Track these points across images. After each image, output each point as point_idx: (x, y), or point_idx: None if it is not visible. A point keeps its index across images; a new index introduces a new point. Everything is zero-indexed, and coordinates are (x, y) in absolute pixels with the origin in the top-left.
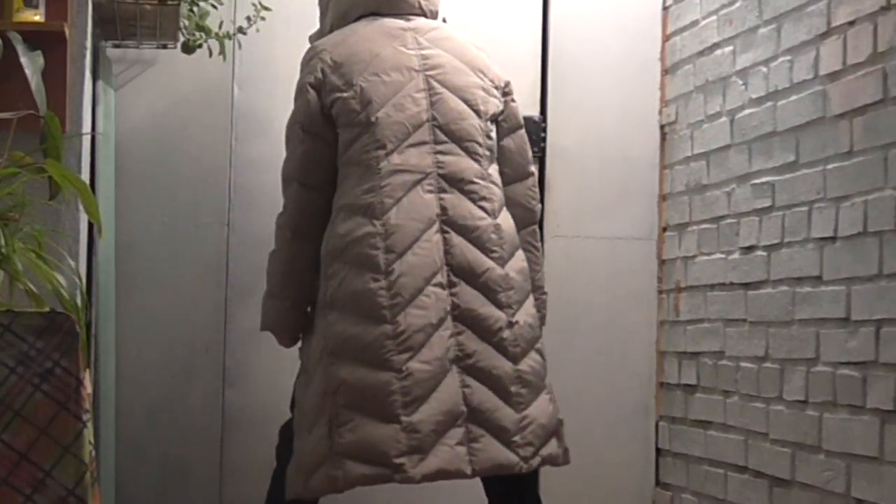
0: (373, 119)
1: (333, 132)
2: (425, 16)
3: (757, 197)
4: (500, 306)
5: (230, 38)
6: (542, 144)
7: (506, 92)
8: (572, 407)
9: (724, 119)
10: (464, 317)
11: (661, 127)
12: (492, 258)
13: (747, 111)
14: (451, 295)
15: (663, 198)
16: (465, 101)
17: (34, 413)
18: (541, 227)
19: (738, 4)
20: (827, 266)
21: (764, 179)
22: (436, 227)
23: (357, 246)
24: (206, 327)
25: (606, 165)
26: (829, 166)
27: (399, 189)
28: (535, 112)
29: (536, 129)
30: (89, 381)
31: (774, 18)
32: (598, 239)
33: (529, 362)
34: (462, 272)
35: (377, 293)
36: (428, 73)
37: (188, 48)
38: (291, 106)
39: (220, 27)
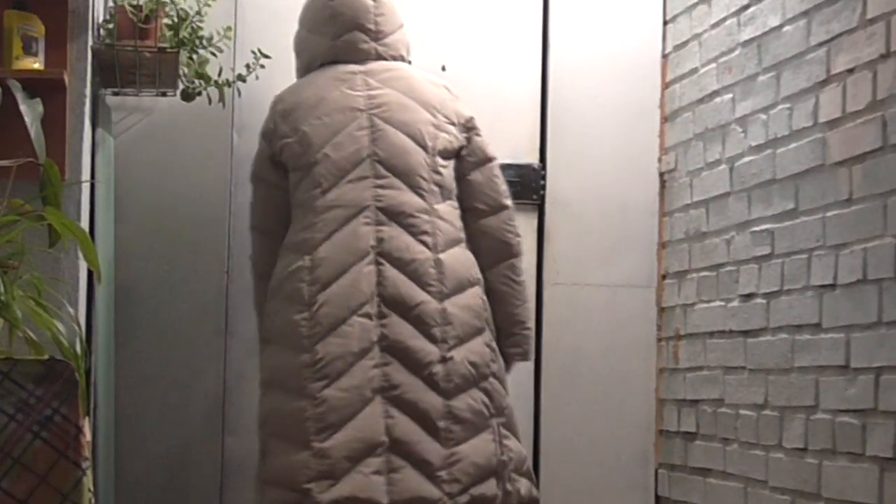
0: (312, 160)
1: (285, 178)
2: (384, 59)
3: (756, 244)
4: (432, 340)
5: (229, 86)
6: (542, 192)
7: (468, 127)
8: (571, 454)
9: (723, 166)
10: (392, 348)
11: (661, 174)
12: (428, 292)
13: (747, 159)
14: (381, 325)
15: (663, 245)
16: (410, 136)
17: (34, 460)
18: (540, 275)
19: (737, 52)
20: (826, 314)
21: (763, 227)
22: (369, 258)
23: (288, 281)
24: (205, 374)
25: (606, 213)
26: (829, 214)
27: (332, 223)
28: (534, 160)
29: (536, 177)
30: (88, 428)
31: (774, 66)
32: (598, 286)
33: (468, 400)
34: (393, 304)
35: (299, 324)
36: (372, 111)
37: (188, 96)
38: None
39: (219, 74)
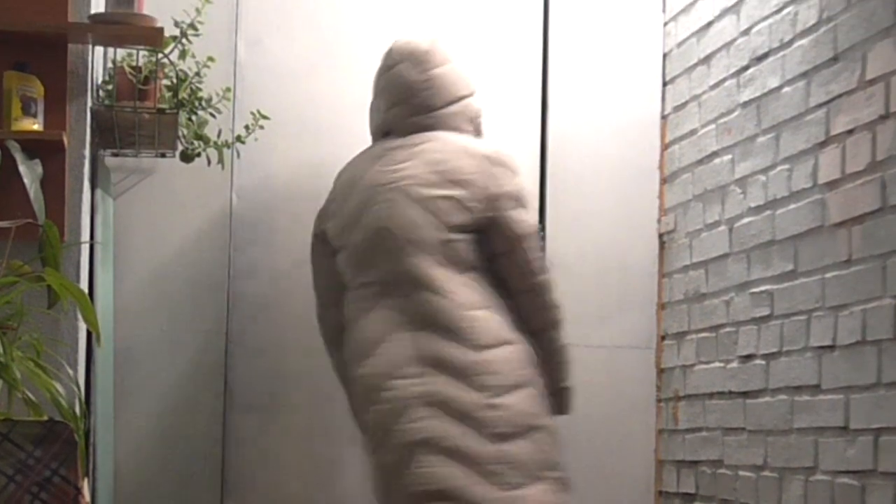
0: (344, 242)
1: (334, 255)
2: (424, 130)
3: (755, 306)
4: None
5: (229, 147)
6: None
7: (496, 205)
8: None
9: (722, 227)
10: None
11: (660, 235)
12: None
13: (746, 220)
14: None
15: (662, 306)
16: (427, 210)
17: None
18: None
19: (736, 113)
20: (825, 375)
21: (762, 288)
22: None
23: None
24: (204, 436)
25: (605, 274)
26: (828, 275)
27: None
28: (533, 221)
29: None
30: (88, 490)
31: (773, 127)
32: (597, 347)
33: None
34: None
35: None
36: (393, 185)
37: (187, 157)
38: (289, 214)
39: (218, 136)
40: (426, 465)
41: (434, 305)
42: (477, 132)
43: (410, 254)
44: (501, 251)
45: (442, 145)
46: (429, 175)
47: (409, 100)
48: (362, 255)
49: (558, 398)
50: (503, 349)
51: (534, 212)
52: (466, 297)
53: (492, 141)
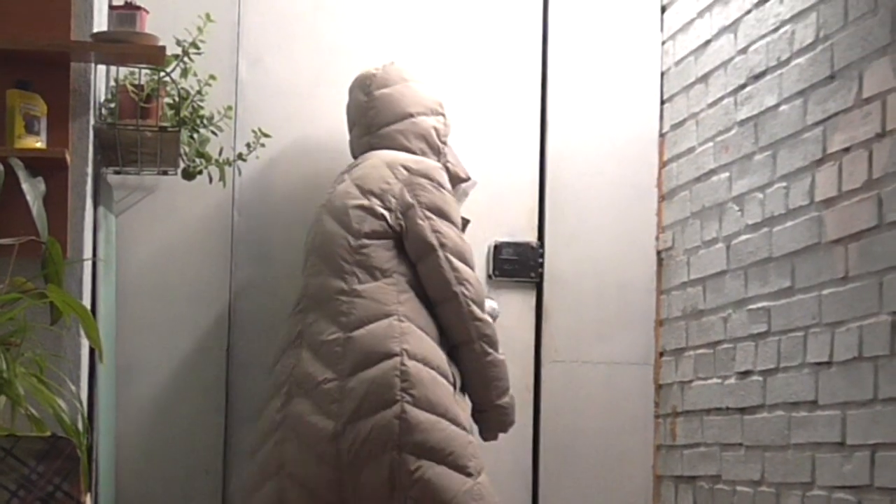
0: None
1: None
2: (371, 149)
3: (753, 322)
4: (329, 416)
5: (230, 165)
6: (540, 270)
7: (406, 213)
8: None
9: (720, 245)
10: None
11: (658, 253)
12: (333, 370)
13: (743, 237)
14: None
15: (660, 323)
16: (338, 222)
17: None
18: (538, 352)
19: (734, 131)
20: (822, 391)
21: (760, 305)
22: (295, 344)
23: None
24: (205, 450)
25: (603, 291)
26: (825, 292)
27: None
28: (532, 238)
29: (534, 256)
30: None
31: (770, 145)
32: (596, 364)
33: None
34: (299, 384)
35: None
36: (325, 204)
37: (188, 175)
38: (290, 232)
39: (220, 154)
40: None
41: (324, 323)
42: (433, 149)
43: (323, 266)
44: (415, 259)
45: (372, 161)
46: (350, 189)
47: (358, 121)
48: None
49: (488, 417)
50: (379, 367)
51: (533, 230)
52: (366, 308)
53: (434, 159)
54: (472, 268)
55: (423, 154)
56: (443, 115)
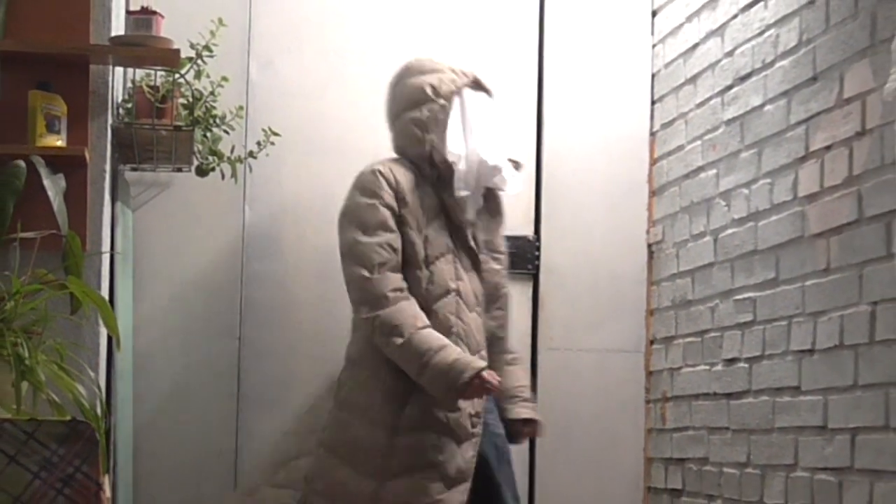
0: None
1: None
2: None
3: (739, 312)
4: None
5: (241, 162)
6: (536, 262)
7: (338, 224)
8: None
9: (707, 238)
10: None
11: (649, 246)
12: None
13: (730, 231)
14: None
15: (650, 312)
16: None
17: None
18: (535, 340)
19: (721, 130)
20: (805, 377)
21: (746, 295)
22: None
23: None
24: (218, 433)
25: (597, 282)
26: (808, 283)
27: None
28: (529, 232)
29: (531, 248)
30: (108, 485)
31: (755, 143)
32: (589, 351)
33: None
34: None
35: None
36: None
37: (202, 171)
38: (298, 226)
39: (231, 151)
40: None
41: None
42: (414, 141)
43: None
44: None
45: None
46: None
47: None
48: None
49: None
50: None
51: (530, 224)
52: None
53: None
54: (362, 265)
55: (402, 151)
56: (430, 99)
